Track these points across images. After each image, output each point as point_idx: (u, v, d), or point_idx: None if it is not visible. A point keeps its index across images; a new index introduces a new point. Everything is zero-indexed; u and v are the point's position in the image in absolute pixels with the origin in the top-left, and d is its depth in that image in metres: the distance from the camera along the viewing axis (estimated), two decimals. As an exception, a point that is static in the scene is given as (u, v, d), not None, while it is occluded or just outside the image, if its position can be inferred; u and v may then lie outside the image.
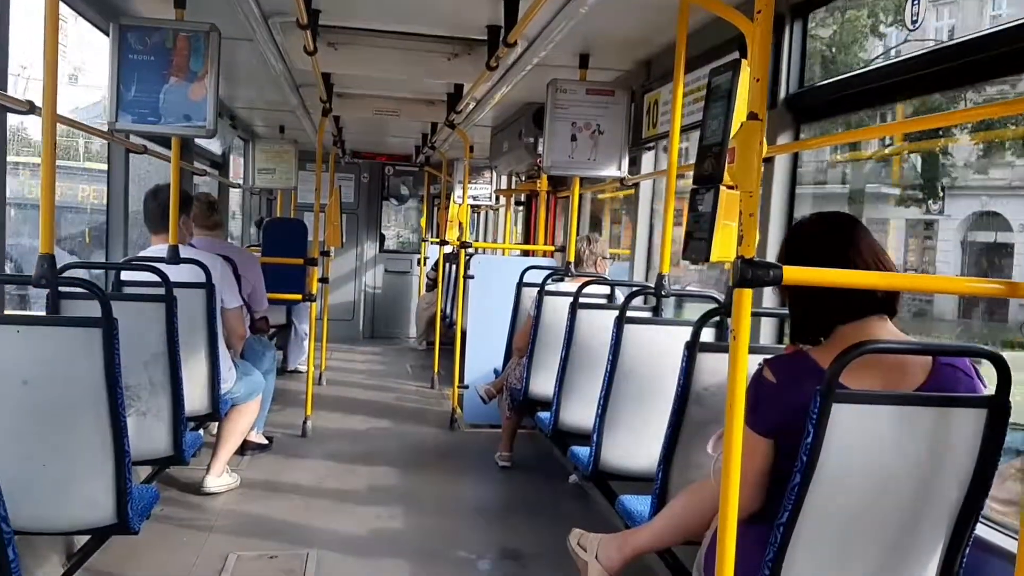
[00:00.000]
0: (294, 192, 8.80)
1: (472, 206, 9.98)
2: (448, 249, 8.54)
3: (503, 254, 8.37)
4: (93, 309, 2.57)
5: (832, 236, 2.07)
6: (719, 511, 1.79)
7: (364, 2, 4.10)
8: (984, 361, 1.96)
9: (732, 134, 1.91)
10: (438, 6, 4.12)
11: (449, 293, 9.25)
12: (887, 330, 2.00)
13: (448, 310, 9.17)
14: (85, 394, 2.56)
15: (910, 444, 1.87)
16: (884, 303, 2.01)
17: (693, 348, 2.65)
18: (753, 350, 1.92)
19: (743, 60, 2.08)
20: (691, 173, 2.59)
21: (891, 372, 1.95)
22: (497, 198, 9.73)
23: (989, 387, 1.94)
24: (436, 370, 7.98)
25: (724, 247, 2.04)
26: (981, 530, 2.09)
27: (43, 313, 2.90)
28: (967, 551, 1.98)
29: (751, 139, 1.68)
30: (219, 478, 4.42)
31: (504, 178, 9.48)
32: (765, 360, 2.04)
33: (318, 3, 3.90)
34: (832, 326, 2.03)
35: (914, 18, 2.55)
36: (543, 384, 4.52)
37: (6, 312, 3.13)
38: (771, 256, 3.24)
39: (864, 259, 1.99)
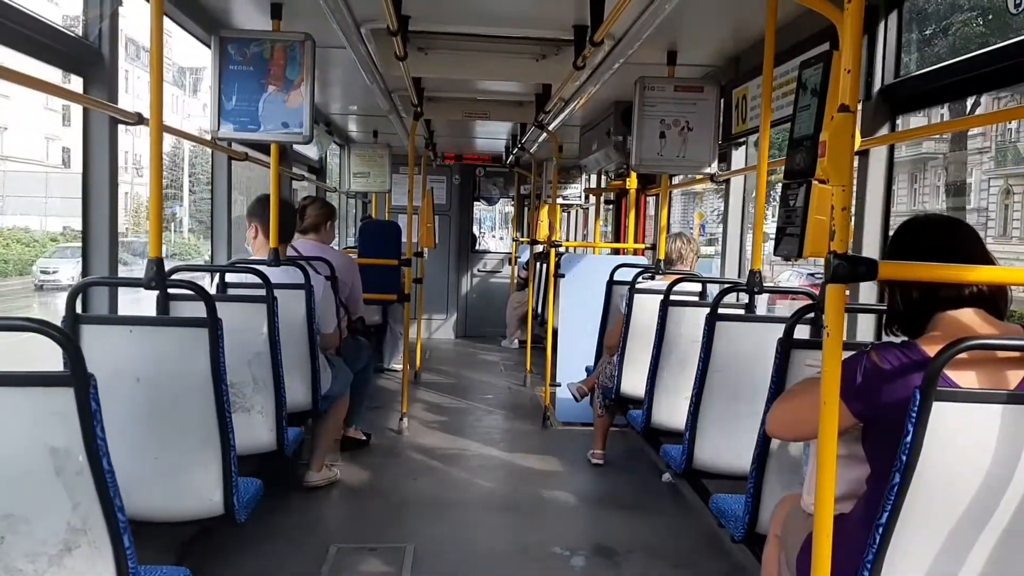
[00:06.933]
0: (388, 195, 8.99)
1: (562, 206, 10.01)
2: (539, 248, 8.58)
3: (593, 253, 8.36)
4: (199, 310, 2.70)
5: (943, 235, 2.01)
6: (815, 513, 1.75)
7: (452, 7, 4.16)
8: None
9: (823, 127, 1.88)
10: (524, 8, 4.16)
11: (540, 292, 9.27)
12: (991, 323, 1.93)
13: (539, 309, 9.20)
14: (193, 390, 2.70)
15: (1019, 444, 1.79)
16: (989, 300, 1.93)
17: (787, 345, 2.61)
18: (848, 346, 1.88)
19: (834, 52, 2.04)
20: (782, 168, 2.56)
21: (991, 368, 1.87)
22: (587, 197, 9.73)
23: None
24: (528, 368, 8.03)
25: (816, 242, 1.99)
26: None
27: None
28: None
29: (843, 132, 1.66)
30: (320, 473, 4.56)
31: (593, 177, 9.47)
32: (875, 345, 1.99)
33: (408, 9, 3.96)
34: (930, 314, 1.96)
35: (1017, 2, 2.45)
36: (635, 382, 4.50)
37: (120, 314, 3.29)
38: (867, 251, 3.17)
39: (973, 259, 1.91)
